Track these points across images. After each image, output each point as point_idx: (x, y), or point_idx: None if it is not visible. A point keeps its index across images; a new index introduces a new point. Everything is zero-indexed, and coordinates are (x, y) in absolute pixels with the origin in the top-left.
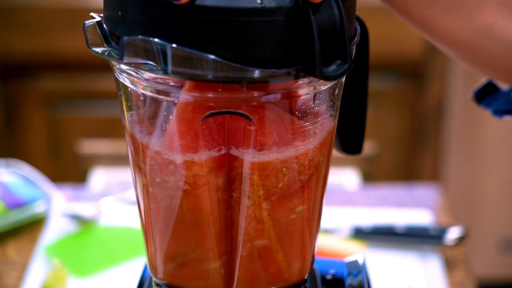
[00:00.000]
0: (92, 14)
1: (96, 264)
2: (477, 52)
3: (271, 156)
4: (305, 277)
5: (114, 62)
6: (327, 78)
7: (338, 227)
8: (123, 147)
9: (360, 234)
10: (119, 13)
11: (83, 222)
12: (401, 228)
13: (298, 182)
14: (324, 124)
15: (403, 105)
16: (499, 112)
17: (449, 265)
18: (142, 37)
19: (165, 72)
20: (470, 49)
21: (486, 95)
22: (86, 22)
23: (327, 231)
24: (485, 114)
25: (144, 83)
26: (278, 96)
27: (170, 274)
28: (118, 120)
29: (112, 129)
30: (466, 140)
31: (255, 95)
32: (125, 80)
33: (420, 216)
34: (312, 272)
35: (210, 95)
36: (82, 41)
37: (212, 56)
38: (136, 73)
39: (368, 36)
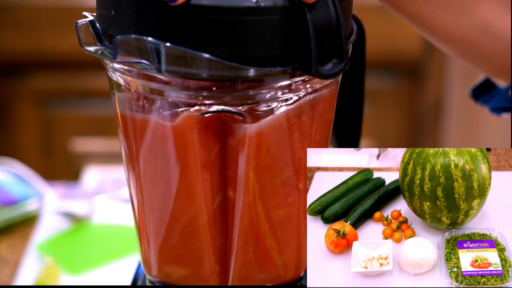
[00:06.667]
0: (85, 13)
1: (89, 262)
2: (474, 49)
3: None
4: (301, 275)
5: (107, 61)
6: (323, 76)
7: None
8: (117, 145)
9: None
10: (112, 12)
11: (76, 220)
12: None
13: (294, 179)
14: (321, 121)
15: (401, 103)
16: (497, 110)
17: None
18: (136, 36)
19: (159, 71)
20: (467, 46)
21: (484, 92)
22: (79, 21)
23: None
24: (483, 112)
25: (138, 82)
26: (274, 94)
27: (164, 271)
28: (111, 119)
29: (105, 127)
30: (464, 138)
31: (250, 93)
32: (118, 78)
33: None
34: None
35: (205, 94)
36: (74, 40)
37: (207, 55)
38: (129, 71)
39: (365, 35)
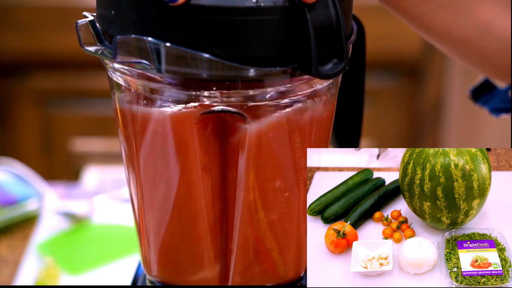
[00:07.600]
0: (85, 13)
1: (89, 261)
2: (474, 49)
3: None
4: (301, 275)
5: (107, 61)
6: (323, 76)
7: None
8: (117, 145)
9: None
10: (112, 12)
11: (76, 220)
12: None
13: (294, 179)
14: (321, 121)
15: (401, 103)
16: (496, 110)
17: None
18: (136, 36)
19: (159, 71)
20: (467, 46)
21: (483, 93)
22: (79, 21)
23: None
24: (483, 113)
25: (138, 82)
26: (274, 94)
27: (164, 271)
28: (111, 119)
29: (105, 127)
30: (463, 138)
31: (250, 93)
32: (118, 78)
33: None
34: None
35: (205, 94)
36: (74, 40)
37: (207, 55)
38: (130, 71)
39: (365, 35)
